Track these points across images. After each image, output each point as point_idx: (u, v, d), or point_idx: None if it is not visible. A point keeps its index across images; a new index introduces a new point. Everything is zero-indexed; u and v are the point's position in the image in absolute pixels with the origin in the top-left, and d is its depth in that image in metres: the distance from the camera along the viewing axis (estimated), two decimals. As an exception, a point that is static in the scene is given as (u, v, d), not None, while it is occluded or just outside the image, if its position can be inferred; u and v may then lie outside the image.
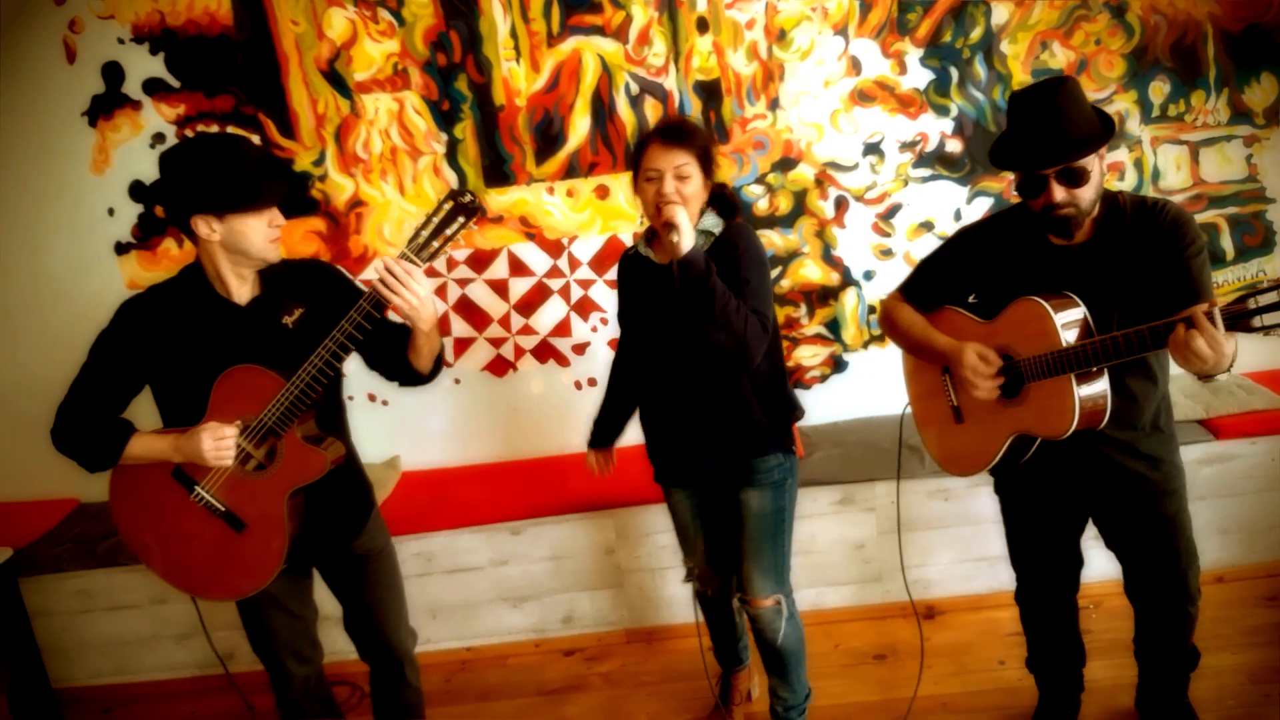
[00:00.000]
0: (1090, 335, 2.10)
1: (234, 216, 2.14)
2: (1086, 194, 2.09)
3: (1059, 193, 2.07)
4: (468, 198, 2.04)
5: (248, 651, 2.61)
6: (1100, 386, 2.14)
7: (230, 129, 3.53)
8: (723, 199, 2.54)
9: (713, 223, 2.48)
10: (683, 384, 2.51)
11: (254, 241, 2.17)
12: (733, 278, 2.38)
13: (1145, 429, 2.29)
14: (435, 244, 2.06)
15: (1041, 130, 2.06)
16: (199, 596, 2.47)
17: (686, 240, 2.28)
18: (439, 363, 2.37)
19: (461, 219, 2.04)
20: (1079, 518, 2.49)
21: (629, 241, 3.62)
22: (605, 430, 2.87)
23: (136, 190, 3.62)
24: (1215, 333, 1.80)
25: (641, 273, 2.58)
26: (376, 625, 2.61)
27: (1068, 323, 2.12)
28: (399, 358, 2.31)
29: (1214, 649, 2.90)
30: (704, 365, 2.46)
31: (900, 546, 2.91)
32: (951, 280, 2.41)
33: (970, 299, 2.43)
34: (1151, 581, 2.44)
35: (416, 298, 2.09)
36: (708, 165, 2.45)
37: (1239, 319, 1.78)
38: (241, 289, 2.26)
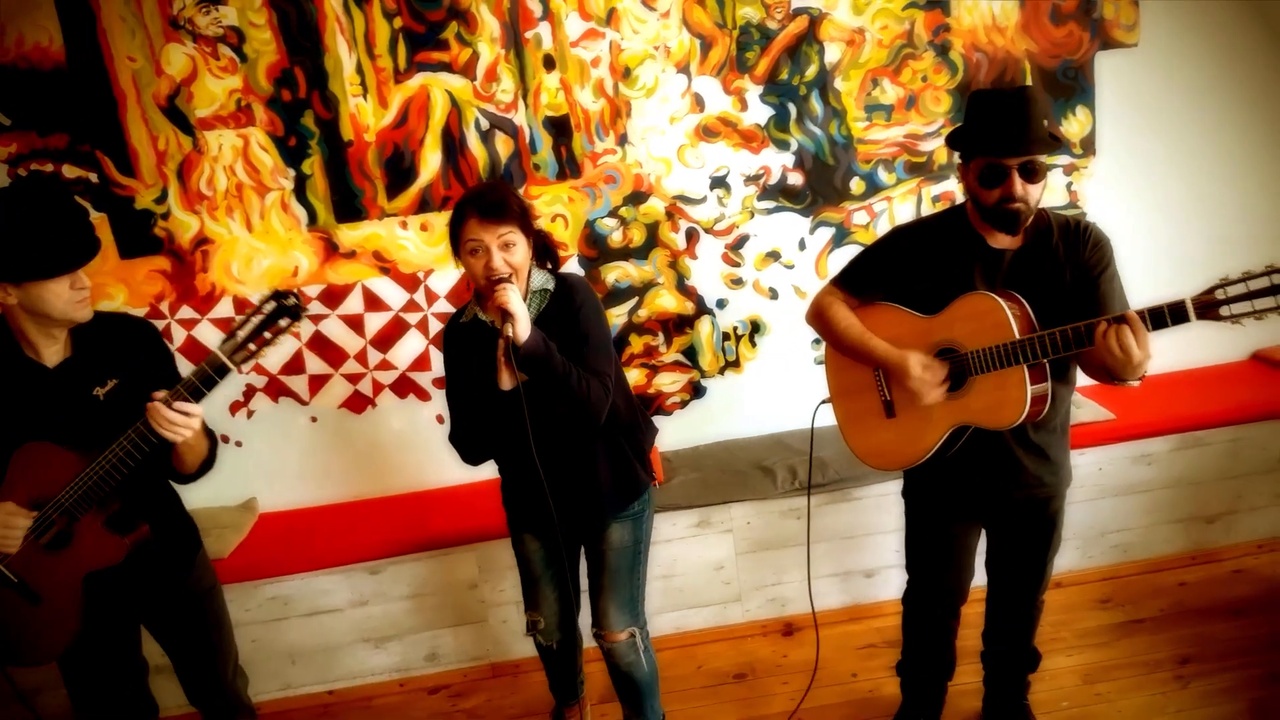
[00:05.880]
0: (1034, 331, 2.19)
1: (30, 284, 2.03)
2: (1036, 193, 2.20)
3: (1018, 186, 2.16)
4: (291, 300, 1.96)
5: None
6: (1045, 380, 2.22)
7: (66, 167, 3.41)
8: (543, 247, 2.52)
9: (543, 280, 2.45)
10: (541, 445, 2.38)
11: (55, 306, 2.06)
12: (573, 333, 2.37)
13: (1056, 432, 2.41)
14: (252, 346, 1.97)
15: (1012, 123, 2.16)
16: None
17: (523, 328, 2.21)
18: (208, 463, 2.29)
19: (285, 321, 1.96)
20: (978, 523, 2.58)
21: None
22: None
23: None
24: (1145, 333, 1.99)
25: (476, 339, 2.45)
26: (215, 667, 2.53)
27: (1016, 317, 2.20)
28: (164, 462, 2.22)
29: (1052, 652, 3.06)
30: (555, 428, 2.42)
31: (809, 561, 2.96)
32: (888, 273, 2.43)
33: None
34: (1020, 568, 2.57)
35: (190, 431, 2.03)
36: (528, 226, 2.39)
37: (1209, 308, 1.92)
38: (50, 349, 2.15)
